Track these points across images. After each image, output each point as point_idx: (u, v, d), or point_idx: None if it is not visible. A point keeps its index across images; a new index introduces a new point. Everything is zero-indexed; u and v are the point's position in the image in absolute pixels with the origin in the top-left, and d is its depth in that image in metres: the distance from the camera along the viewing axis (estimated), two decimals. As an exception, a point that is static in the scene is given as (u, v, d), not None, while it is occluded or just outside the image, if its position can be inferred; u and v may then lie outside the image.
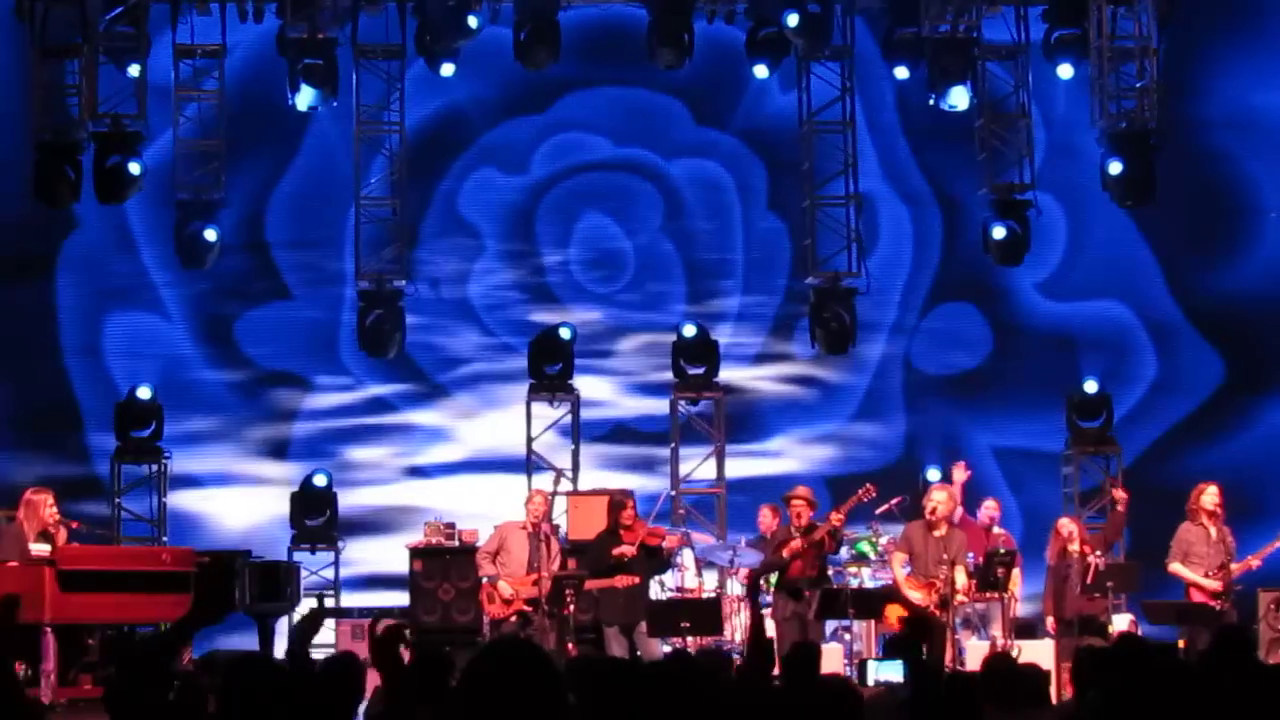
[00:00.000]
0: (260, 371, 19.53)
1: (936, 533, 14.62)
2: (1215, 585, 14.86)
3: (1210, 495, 14.96)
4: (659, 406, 19.54)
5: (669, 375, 19.25)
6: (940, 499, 14.82)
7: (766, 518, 16.67)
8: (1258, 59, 19.70)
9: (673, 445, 19.17)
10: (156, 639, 6.01)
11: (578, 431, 19.04)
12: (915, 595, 14.52)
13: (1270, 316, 19.55)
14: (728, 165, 19.97)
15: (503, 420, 19.48)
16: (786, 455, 19.81)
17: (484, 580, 15.05)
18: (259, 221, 19.49)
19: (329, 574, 18.86)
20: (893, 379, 19.91)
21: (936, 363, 19.91)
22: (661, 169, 19.97)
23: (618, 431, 19.78)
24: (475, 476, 19.48)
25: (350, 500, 19.11)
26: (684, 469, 19.16)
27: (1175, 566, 15.04)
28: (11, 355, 19.01)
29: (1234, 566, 14.95)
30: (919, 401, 19.85)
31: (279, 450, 19.59)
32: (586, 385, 19.32)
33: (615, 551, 14.80)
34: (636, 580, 14.66)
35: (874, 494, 15.35)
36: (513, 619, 14.79)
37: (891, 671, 13.56)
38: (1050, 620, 15.87)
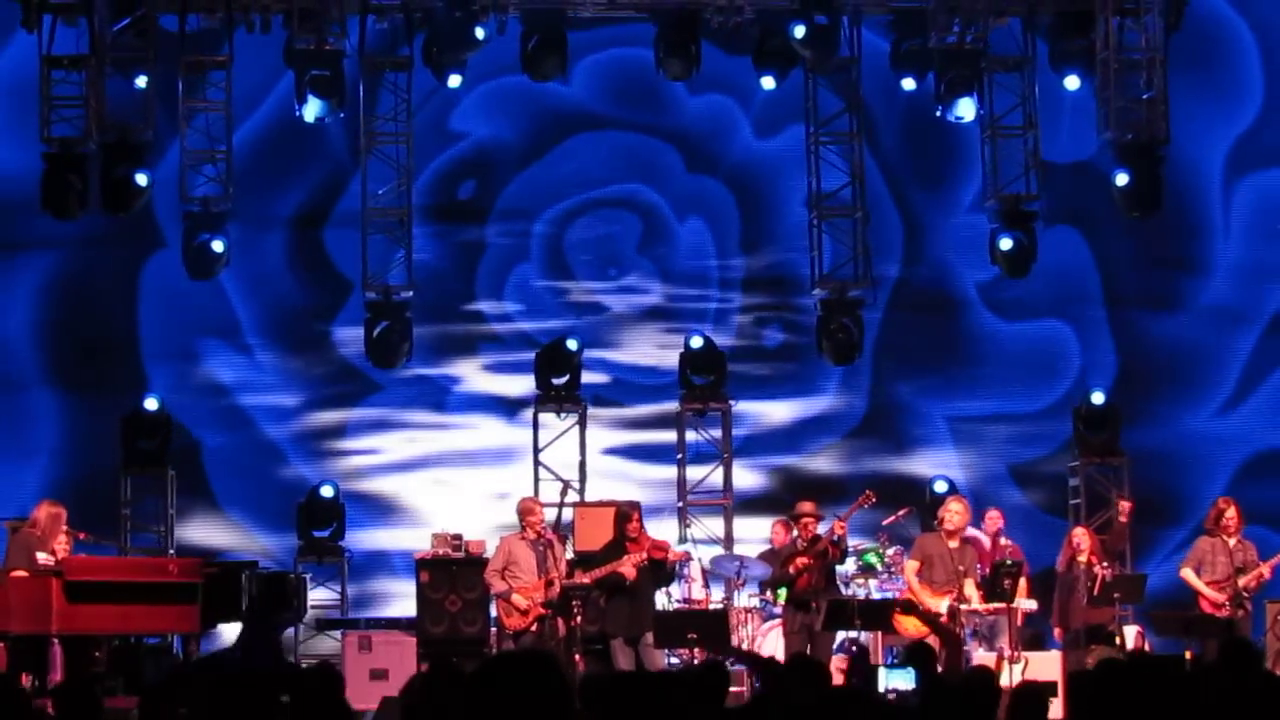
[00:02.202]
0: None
1: (951, 544, 14.65)
2: (1219, 597, 14.98)
3: (1230, 516, 15.22)
4: (648, 357, 19.78)
5: (653, 347, 19.54)
6: (956, 509, 14.86)
7: (779, 533, 16.65)
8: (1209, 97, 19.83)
9: (679, 456, 19.15)
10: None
11: (584, 443, 19.01)
12: (930, 602, 14.53)
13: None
14: (713, 206, 20.05)
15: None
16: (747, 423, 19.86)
17: (497, 596, 14.99)
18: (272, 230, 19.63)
19: (336, 585, 18.79)
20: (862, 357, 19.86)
21: (902, 342, 19.98)
22: (653, 202, 20.03)
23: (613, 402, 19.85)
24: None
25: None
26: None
27: (1186, 573, 15.33)
28: (86, 307, 19.31)
29: (1242, 580, 14.99)
30: (883, 379, 19.92)
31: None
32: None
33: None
34: (644, 560, 14.60)
35: (874, 500, 15.34)
36: (533, 628, 14.71)
37: (902, 680, 13.50)
38: (1058, 631, 15.88)
